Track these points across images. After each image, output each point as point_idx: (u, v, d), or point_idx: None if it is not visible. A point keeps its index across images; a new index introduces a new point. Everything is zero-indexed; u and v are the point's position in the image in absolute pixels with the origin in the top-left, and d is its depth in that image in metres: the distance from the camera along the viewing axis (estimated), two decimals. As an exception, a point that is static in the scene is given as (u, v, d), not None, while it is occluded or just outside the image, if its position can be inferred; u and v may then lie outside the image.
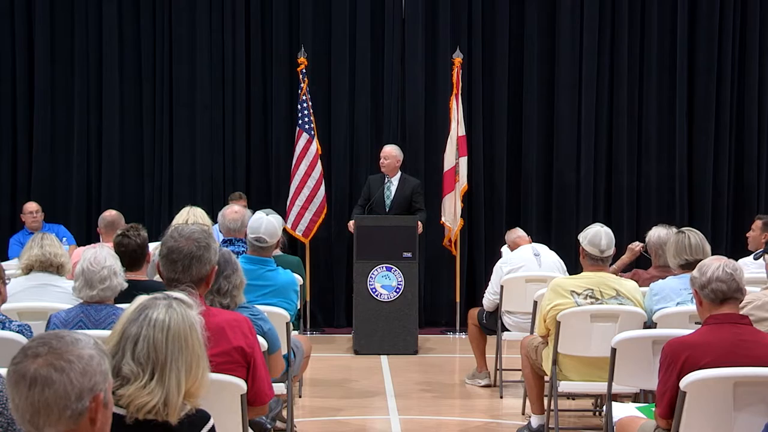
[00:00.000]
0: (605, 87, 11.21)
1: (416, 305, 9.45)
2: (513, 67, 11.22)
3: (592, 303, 5.75)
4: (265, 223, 5.86)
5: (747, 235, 8.35)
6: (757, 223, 8.13)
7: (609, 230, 5.91)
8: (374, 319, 9.29)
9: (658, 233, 6.37)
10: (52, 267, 5.51)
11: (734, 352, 3.99)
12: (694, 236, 5.84)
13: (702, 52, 11.19)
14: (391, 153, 9.91)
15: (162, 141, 11.08)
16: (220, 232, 6.67)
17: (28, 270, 5.53)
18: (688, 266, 5.54)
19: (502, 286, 7.47)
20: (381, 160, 9.91)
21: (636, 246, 7.27)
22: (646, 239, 6.45)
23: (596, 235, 5.82)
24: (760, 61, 11.22)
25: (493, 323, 7.70)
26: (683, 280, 5.66)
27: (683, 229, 6.02)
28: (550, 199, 11.24)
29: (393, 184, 9.89)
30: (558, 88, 11.19)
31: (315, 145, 10.42)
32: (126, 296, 4.50)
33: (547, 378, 6.09)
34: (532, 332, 6.58)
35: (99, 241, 7.56)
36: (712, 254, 5.17)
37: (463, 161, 10.34)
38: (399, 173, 9.90)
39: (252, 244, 5.85)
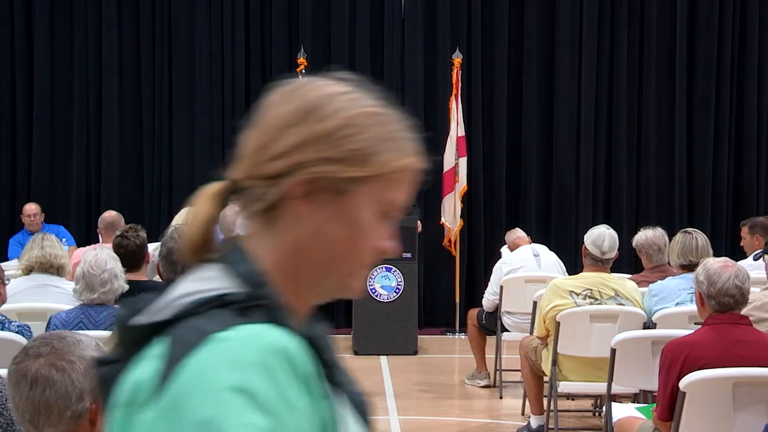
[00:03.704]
0: (605, 87, 11.21)
1: (416, 306, 9.45)
2: (513, 67, 11.22)
3: (591, 303, 5.75)
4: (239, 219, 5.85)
5: (741, 244, 8.34)
6: (744, 230, 8.15)
7: (615, 234, 5.91)
8: (374, 319, 9.28)
9: (645, 235, 6.36)
10: (52, 268, 5.51)
11: (734, 352, 4.00)
12: (701, 238, 5.86)
13: (701, 53, 11.19)
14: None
15: (161, 142, 11.08)
16: (221, 232, 6.67)
17: (28, 271, 5.53)
18: (690, 267, 5.56)
19: (501, 287, 7.48)
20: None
21: None
22: (634, 244, 6.43)
23: (600, 236, 5.83)
24: (759, 62, 11.22)
25: (492, 324, 7.70)
26: (682, 280, 5.67)
27: (689, 229, 6.03)
28: (550, 199, 11.24)
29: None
30: (558, 88, 11.19)
31: (315, 146, 10.41)
32: (126, 297, 4.50)
33: (546, 378, 6.09)
34: (531, 333, 6.59)
35: (99, 241, 7.56)
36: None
37: (463, 161, 10.34)
38: None
39: None
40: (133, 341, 1.23)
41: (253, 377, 1.11)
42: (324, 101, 1.27)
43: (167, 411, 1.13)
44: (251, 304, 1.20)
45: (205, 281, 1.24)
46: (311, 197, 1.25)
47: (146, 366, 1.19)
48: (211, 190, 1.34)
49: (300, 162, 1.25)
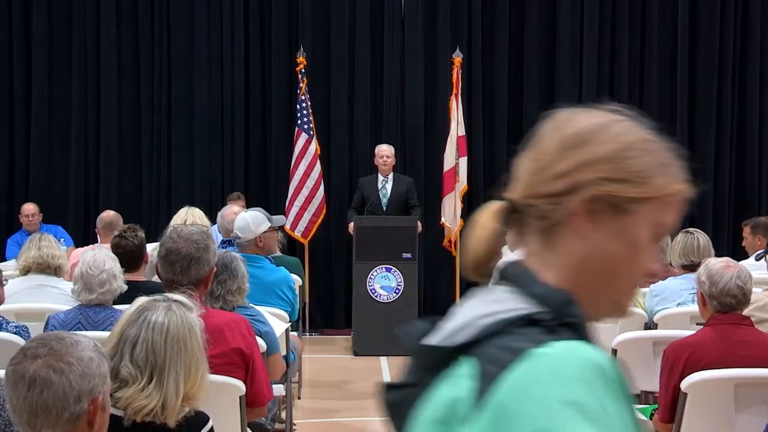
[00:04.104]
0: (605, 87, 11.19)
1: (416, 306, 9.43)
2: (513, 66, 11.21)
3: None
4: (238, 218, 5.84)
5: (743, 244, 8.32)
6: (746, 230, 8.14)
7: None
8: (374, 320, 9.26)
9: None
10: (49, 268, 5.49)
11: (736, 352, 3.98)
12: (703, 238, 5.85)
13: (703, 52, 11.18)
14: (391, 152, 10.01)
15: (160, 141, 11.06)
16: (219, 232, 6.65)
17: (25, 271, 5.51)
18: (691, 267, 5.54)
19: (501, 287, 7.45)
20: (383, 159, 9.92)
21: None
22: None
23: None
24: (761, 61, 11.20)
25: (492, 324, 7.67)
26: (684, 280, 5.65)
27: (690, 229, 6.02)
28: (550, 199, 11.21)
29: (389, 183, 9.92)
30: (558, 87, 11.18)
31: (314, 145, 10.40)
32: (124, 297, 4.49)
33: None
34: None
35: (97, 241, 7.55)
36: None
37: (463, 161, 10.32)
38: (392, 172, 9.97)
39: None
40: (431, 363, 1.29)
41: (579, 391, 1.15)
42: (602, 127, 1.35)
43: (493, 423, 1.17)
44: (560, 323, 1.24)
45: (500, 302, 1.29)
46: (593, 215, 1.31)
47: (457, 384, 1.23)
48: (492, 208, 1.40)
49: (583, 181, 1.31)
